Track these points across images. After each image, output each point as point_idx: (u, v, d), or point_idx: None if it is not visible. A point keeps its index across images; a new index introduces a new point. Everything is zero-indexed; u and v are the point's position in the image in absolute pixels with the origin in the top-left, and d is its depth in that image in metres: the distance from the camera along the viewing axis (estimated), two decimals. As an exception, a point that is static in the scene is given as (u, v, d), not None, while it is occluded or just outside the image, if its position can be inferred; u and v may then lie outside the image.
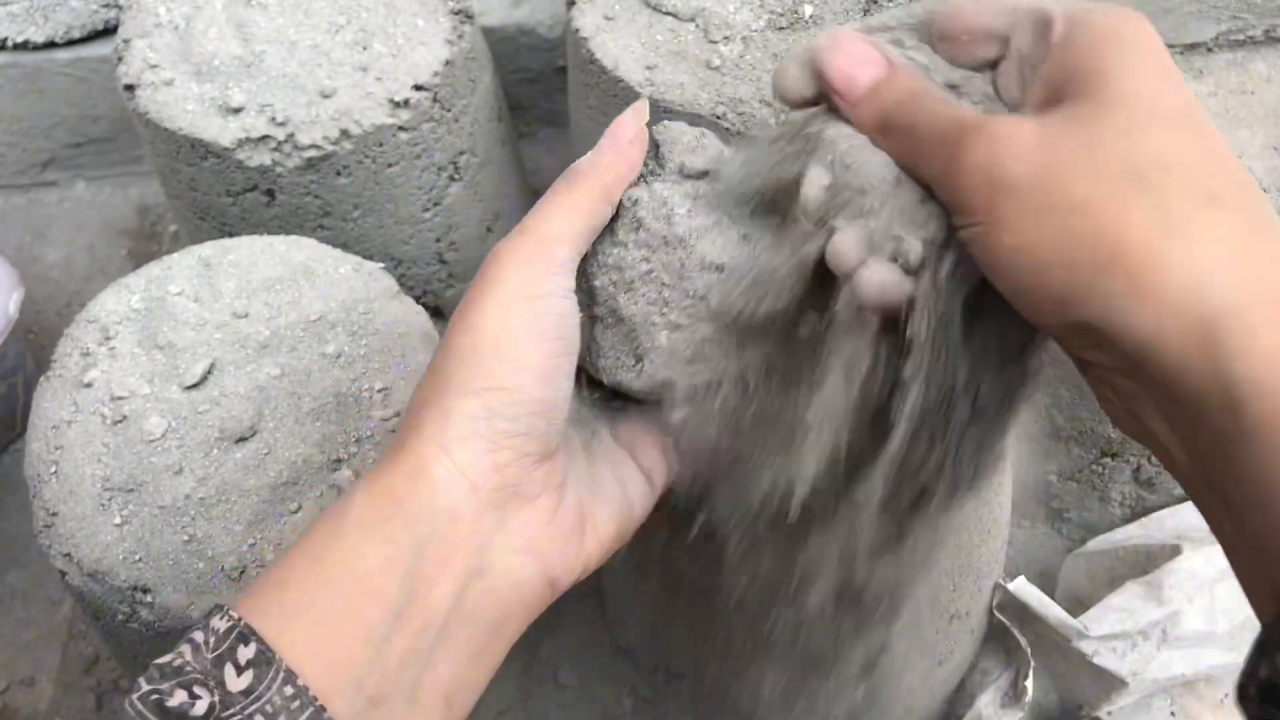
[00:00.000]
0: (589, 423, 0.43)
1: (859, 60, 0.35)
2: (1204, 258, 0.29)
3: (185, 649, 0.33)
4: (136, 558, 0.51)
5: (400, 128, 0.72)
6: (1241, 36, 1.07)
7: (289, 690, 0.32)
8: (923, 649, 0.63)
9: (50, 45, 0.98)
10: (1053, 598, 0.70)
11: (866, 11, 0.72)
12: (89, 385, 0.56)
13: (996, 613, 0.70)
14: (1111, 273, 0.29)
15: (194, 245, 0.61)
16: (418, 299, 0.66)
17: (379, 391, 0.55)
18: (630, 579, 0.64)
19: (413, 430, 0.36)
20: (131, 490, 0.52)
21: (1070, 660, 0.68)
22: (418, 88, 0.72)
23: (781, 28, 0.72)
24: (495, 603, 0.36)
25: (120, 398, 0.55)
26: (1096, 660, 0.66)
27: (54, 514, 0.53)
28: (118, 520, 0.52)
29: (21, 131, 1.04)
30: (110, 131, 1.04)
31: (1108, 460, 0.75)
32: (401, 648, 0.34)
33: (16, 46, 0.98)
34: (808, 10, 0.73)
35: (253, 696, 0.32)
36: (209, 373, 0.56)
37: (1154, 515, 0.75)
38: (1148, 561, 0.70)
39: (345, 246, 0.64)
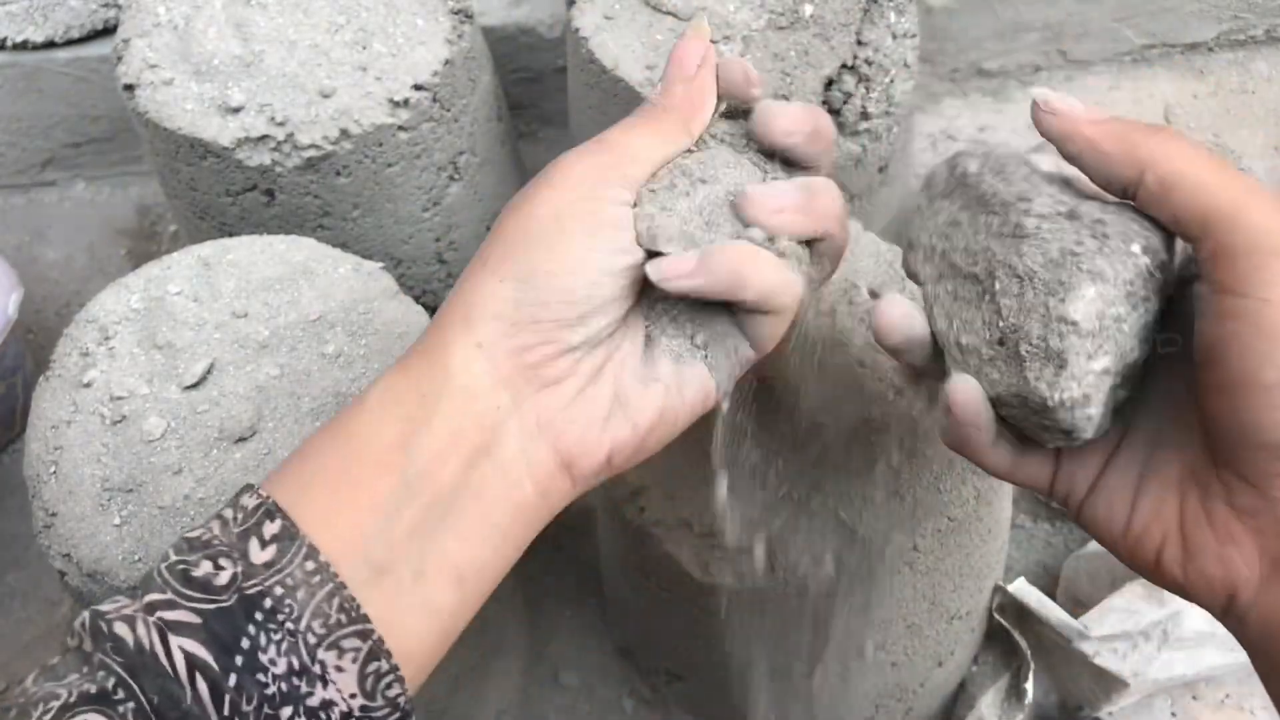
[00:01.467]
0: (668, 323, 0.41)
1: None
2: None
3: (214, 524, 0.34)
4: (136, 558, 0.51)
5: (400, 127, 0.72)
6: (1242, 36, 1.07)
7: (310, 565, 0.33)
8: (923, 649, 0.63)
9: (49, 45, 0.98)
10: (1053, 598, 0.70)
11: (866, 12, 0.72)
12: (88, 385, 0.55)
13: (996, 615, 0.70)
14: None
15: (193, 245, 0.61)
16: (417, 299, 0.66)
17: (379, 392, 0.55)
18: (630, 579, 0.64)
19: (443, 312, 0.37)
20: (131, 490, 0.52)
21: (1071, 661, 0.68)
22: (417, 87, 0.72)
23: (781, 27, 0.72)
24: (505, 482, 0.36)
25: (119, 398, 0.55)
26: (1097, 661, 0.66)
27: (53, 514, 0.52)
28: (117, 520, 0.52)
29: (21, 131, 1.04)
30: (110, 131, 1.04)
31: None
32: (409, 520, 0.34)
33: (16, 46, 0.98)
34: (808, 10, 0.73)
35: (274, 569, 0.32)
36: (208, 373, 0.56)
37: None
38: (1148, 562, 0.70)
39: (345, 246, 0.64)
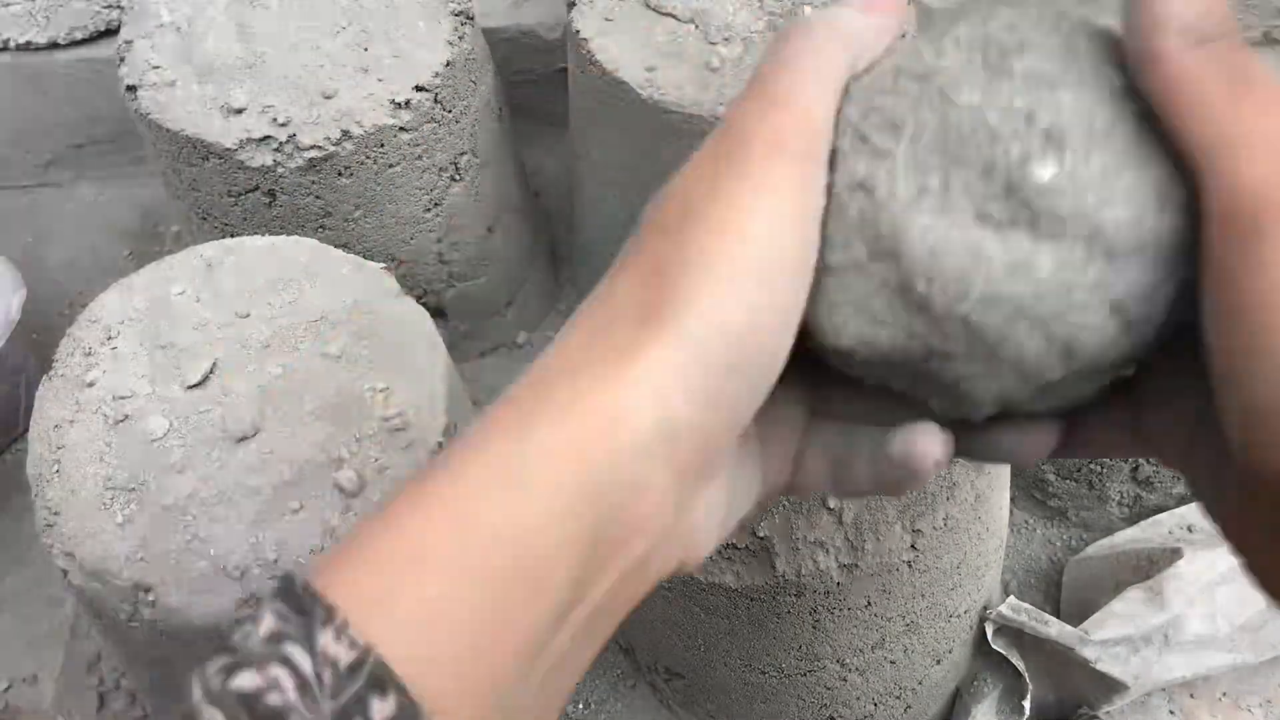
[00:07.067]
0: None
1: None
2: None
3: (284, 679, 0.22)
4: (138, 557, 0.51)
5: (401, 128, 0.72)
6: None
7: None
8: (921, 647, 0.63)
9: (53, 46, 0.99)
10: (1055, 600, 0.70)
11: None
12: (91, 385, 0.56)
13: (992, 644, 0.69)
14: None
15: (196, 245, 0.62)
16: (418, 299, 0.66)
17: (380, 391, 0.56)
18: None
19: (605, 351, 0.25)
20: (133, 490, 0.53)
21: (1071, 665, 0.68)
22: (419, 89, 0.72)
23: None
24: (637, 594, 0.27)
25: (122, 397, 0.55)
26: (1099, 666, 0.66)
27: (56, 513, 0.53)
28: (119, 520, 0.52)
29: (24, 132, 1.04)
30: (112, 132, 1.05)
31: (1106, 460, 0.75)
32: (550, 658, 0.25)
33: (19, 47, 0.98)
34: (808, 11, 0.73)
35: None
36: (211, 372, 0.56)
37: (1154, 517, 0.75)
38: (1149, 565, 0.70)
39: (346, 247, 0.64)
